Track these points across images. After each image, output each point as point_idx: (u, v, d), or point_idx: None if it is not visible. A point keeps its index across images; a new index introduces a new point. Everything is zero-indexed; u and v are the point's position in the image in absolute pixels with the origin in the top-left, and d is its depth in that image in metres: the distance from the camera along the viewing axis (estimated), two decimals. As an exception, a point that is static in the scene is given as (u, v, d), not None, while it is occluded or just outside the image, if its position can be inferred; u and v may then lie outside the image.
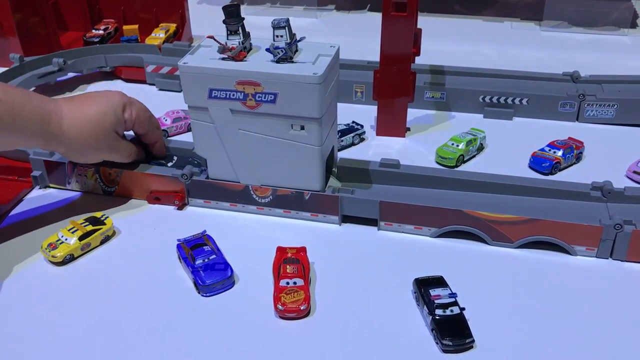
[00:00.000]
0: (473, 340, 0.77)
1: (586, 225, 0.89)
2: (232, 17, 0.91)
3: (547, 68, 1.37)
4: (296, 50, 0.93)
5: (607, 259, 0.91)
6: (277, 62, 0.91)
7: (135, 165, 1.04)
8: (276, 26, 0.90)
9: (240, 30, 0.92)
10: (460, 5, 1.94)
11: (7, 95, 0.88)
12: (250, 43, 0.95)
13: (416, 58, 1.39)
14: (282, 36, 0.90)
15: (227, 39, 0.92)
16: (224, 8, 0.91)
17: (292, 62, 0.91)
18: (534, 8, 1.84)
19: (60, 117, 0.93)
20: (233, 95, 0.92)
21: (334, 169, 1.04)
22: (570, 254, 0.92)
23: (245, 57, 0.93)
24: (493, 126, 1.24)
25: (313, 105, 0.90)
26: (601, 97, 1.24)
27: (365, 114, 1.26)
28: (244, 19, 0.93)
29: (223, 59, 0.92)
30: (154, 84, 1.44)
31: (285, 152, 0.95)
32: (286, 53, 0.91)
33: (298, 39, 0.93)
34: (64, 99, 0.97)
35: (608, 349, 0.77)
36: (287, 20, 0.91)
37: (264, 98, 0.91)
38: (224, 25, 0.92)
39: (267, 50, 0.92)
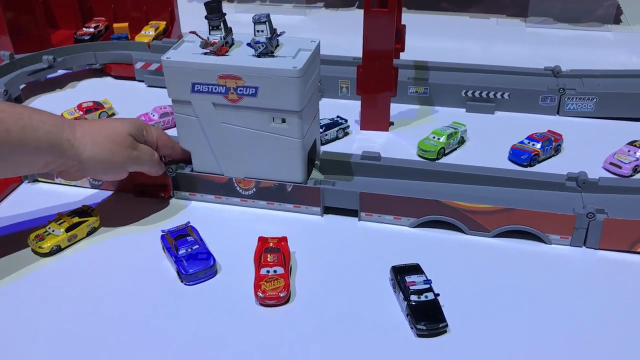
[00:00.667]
0: (446, 325, 0.79)
1: (560, 214, 0.91)
2: (214, 13, 0.93)
3: (531, 64, 1.38)
4: (277, 45, 0.95)
5: (581, 247, 0.93)
6: (258, 56, 0.93)
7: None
8: (257, 21, 0.92)
9: (222, 26, 0.94)
10: (447, 2, 1.96)
11: (14, 107, 0.86)
12: (232, 38, 0.97)
13: (401, 54, 1.41)
14: (262, 31, 0.92)
15: (209, 34, 0.94)
16: (206, 4, 0.93)
17: (273, 56, 0.93)
18: (519, 4, 1.86)
19: (73, 126, 0.90)
20: (215, 89, 0.94)
21: (316, 162, 1.06)
22: (545, 243, 0.94)
23: (227, 51, 0.95)
24: (475, 120, 1.26)
25: (293, 99, 0.92)
26: (581, 91, 1.26)
27: (350, 108, 1.28)
28: (225, 14, 0.94)
29: (205, 53, 0.94)
30: (142, 81, 1.45)
31: (267, 144, 0.97)
32: (267, 47, 0.92)
33: (278, 33, 0.95)
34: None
35: (581, 335, 0.79)
36: (268, 16, 0.93)
37: (245, 91, 0.93)
38: (206, 20, 0.94)
39: (248, 44, 0.94)
